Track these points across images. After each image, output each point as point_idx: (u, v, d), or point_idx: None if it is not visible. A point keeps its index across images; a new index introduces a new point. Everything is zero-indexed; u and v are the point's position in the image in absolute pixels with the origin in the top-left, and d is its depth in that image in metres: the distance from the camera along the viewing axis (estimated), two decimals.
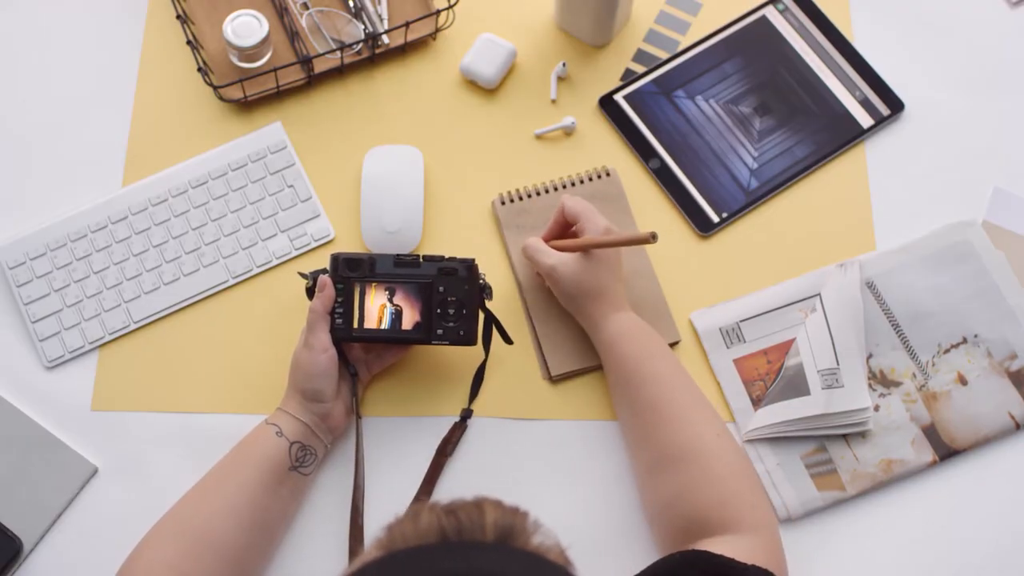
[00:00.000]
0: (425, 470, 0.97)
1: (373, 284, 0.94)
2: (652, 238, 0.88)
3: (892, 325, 1.02)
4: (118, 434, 0.99)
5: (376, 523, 0.95)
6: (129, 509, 0.96)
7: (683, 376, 0.93)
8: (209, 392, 1.00)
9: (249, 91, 1.09)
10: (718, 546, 0.81)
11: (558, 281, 0.96)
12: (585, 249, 0.95)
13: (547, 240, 0.99)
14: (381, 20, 1.12)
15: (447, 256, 0.94)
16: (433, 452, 0.98)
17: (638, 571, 0.81)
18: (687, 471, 0.88)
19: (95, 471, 0.97)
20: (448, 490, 0.97)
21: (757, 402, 0.99)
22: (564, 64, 1.11)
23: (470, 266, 0.94)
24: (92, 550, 0.95)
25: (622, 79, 1.12)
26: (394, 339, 0.94)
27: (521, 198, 1.06)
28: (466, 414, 0.99)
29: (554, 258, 0.96)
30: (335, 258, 0.94)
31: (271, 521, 0.90)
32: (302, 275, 0.96)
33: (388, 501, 0.96)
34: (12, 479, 0.96)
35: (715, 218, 1.07)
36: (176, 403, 1.00)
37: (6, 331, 1.02)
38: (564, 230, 0.99)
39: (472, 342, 0.94)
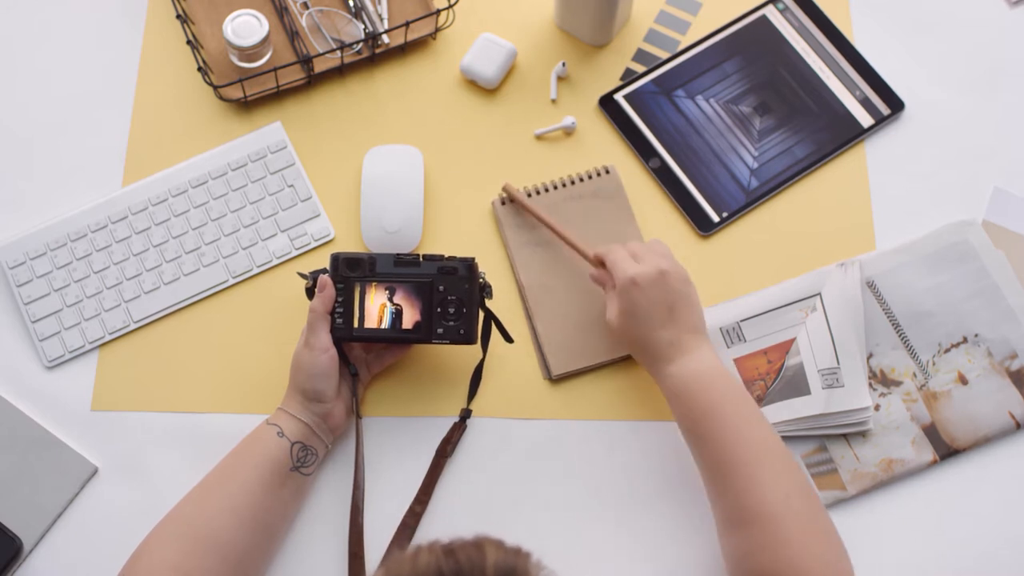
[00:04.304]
0: (425, 470, 0.97)
1: (373, 284, 0.93)
2: (596, 261, 0.97)
3: (892, 325, 1.02)
4: (118, 434, 0.98)
5: (376, 523, 0.95)
6: (129, 509, 0.96)
7: (747, 429, 0.87)
8: (209, 392, 1.00)
9: (249, 91, 1.08)
10: None
11: (622, 304, 0.92)
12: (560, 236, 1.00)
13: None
14: (381, 20, 1.12)
15: (447, 255, 0.94)
16: (433, 452, 0.98)
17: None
18: (754, 534, 0.84)
19: (95, 471, 0.97)
20: (448, 490, 0.97)
21: (757, 402, 0.99)
22: (564, 64, 1.11)
23: (470, 265, 0.94)
24: (92, 550, 0.95)
25: (622, 79, 1.12)
26: (394, 339, 0.94)
27: None
28: (465, 414, 0.99)
29: (634, 270, 0.92)
30: (335, 258, 0.94)
31: (272, 521, 0.90)
32: (302, 275, 0.96)
33: (388, 501, 0.96)
34: (12, 479, 0.96)
35: (715, 218, 1.07)
36: (176, 403, 1.00)
37: (6, 331, 1.02)
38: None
39: (472, 341, 0.94)
